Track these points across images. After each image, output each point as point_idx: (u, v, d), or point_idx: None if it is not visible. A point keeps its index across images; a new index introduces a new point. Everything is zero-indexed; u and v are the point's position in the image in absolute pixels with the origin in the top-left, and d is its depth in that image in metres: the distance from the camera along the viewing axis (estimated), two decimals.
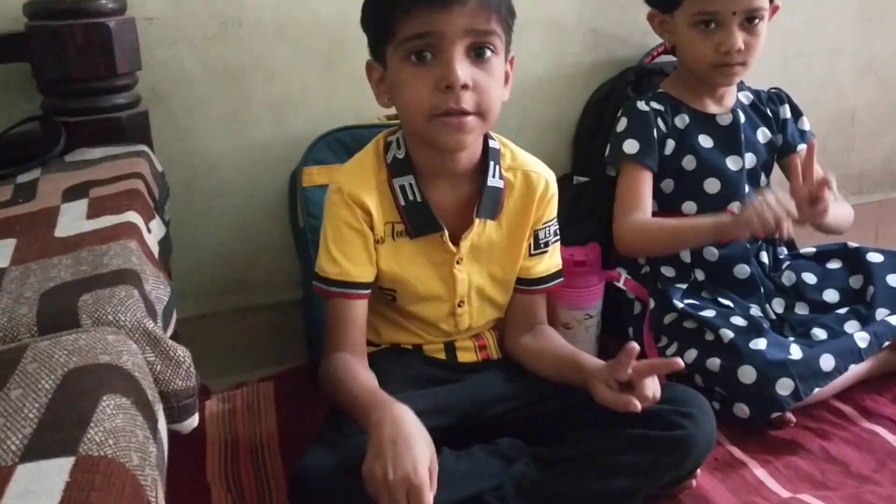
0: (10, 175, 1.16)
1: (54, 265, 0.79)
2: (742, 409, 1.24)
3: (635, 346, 1.01)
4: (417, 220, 1.11)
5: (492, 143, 1.14)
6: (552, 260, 1.22)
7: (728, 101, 1.49)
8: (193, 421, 0.76)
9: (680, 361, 1.03)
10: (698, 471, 1.12)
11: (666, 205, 1.47)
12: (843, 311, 1.39)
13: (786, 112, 1.53)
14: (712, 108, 1.48)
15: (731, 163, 1.46)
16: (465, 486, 1.02)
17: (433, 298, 1.16)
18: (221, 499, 1.16)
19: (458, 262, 1.15)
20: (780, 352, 1.25)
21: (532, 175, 1.16)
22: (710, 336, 1.31)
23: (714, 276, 1.44)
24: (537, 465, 1.06)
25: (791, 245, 1.56)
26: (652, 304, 1.42)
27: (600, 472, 1.03)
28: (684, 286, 1.42)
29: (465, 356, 1.22)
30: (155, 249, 0.92)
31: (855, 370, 1.31)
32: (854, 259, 1.47)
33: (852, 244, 1.50)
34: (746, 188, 1.47)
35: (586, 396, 1.07)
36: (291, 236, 1.48)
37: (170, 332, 0.80)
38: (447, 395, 1.12)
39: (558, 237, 1.22)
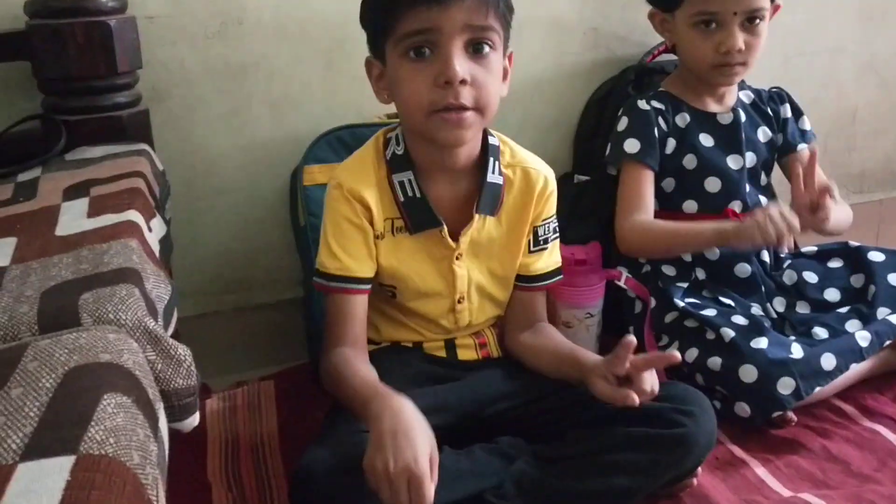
0: (11, 174, 1.16)
1: (55, 264, 0.79)
2: (743, 408, 1.24)
3: (632, 339, 1.01)
4: (416, 216, 1.12)
5: (491, 140, 1.14)
6: (552, 257, 1.22)
7: (729, 100, 1.49)
8: (194, 420, 0.76)
9: (677, 355, 1.03)
10: (699, 469, 1.12)
11: (667, 204, 1.47)
12: (844, 310, 1.39)
13: (786, 111, 1.53)
14: (713, 107, 1.48)
15: (732, 162, 1.46)
16: (466, 485, 1.02)
17: (433, 294, 1.17)
18: (222, 497, 1.15)
19: (457, 258, 1.15)
20: (781, 351, 1.25)
21: (531, 171, 1.17)
22: (711, 335, 1.31)
23: (715, 274, 1.44)
24: (537, 463, 1.06)
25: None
26: (653, 302, 1.41)
27: (600, 470, 1.03)
28: (685, 285, 1.42)
29: (466, 354, 1.22)
30: (156, 248, 0.92)
31: (856, 369, 1.31)
32: (855, 258, 1.47)
33: (853, 243, 1.50)
34: (747, 187, 1.47)
35: (586, 395, 1.07)
36: (292, 235, 1.48)
37: (170, 330, 0.80)
38: (447, 393, 1.12)
39: (557, 234, 1.22)
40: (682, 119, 1.46)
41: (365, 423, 0.93)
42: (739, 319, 1.32)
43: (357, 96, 1.43)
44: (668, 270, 1.44)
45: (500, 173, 1.14)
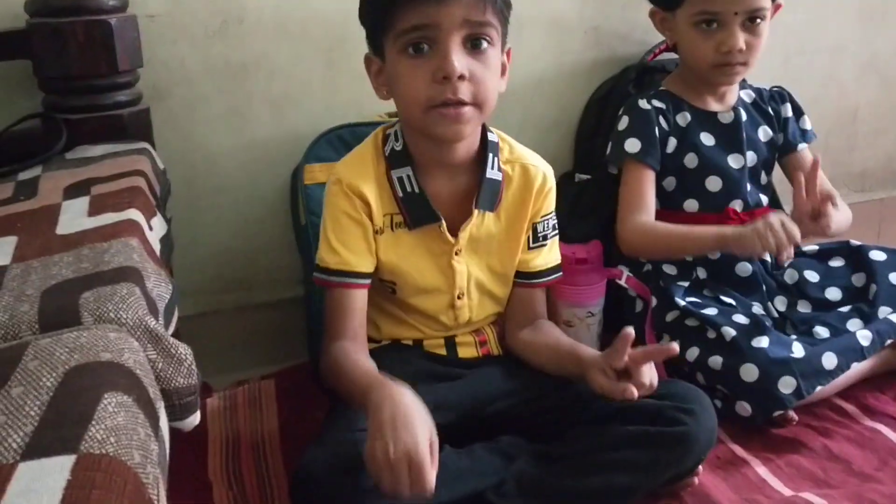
0: (11, 172, 1.16)
1: (55, 262, 0.79)
2: (744, 408, 1.24)
3: (631, 331, 1.01)
4: (415, 211, 1.12)
5: (490, 136, 1.15)
6: (551, 254, 1.23)
7: (730, 99, 1.49)
8: (195, 419, 0.76)
9: (675, 347, 1.02)
10: (700, 468, 1.12)
11: (668, 203, 1.47)
12: (845, 309, 1.39)
13: (787, 111, 1.53)
14: (714, 105, 1.48)
15: (733, 161, 1.46)
16: (466, 484, 1.02)
17: (432, 290, 1.17)
18: (223, 496, 1.16)
19: (456, 254, 1.15)
20: (782, 350, 1.25)
21: (530, 168, 1.17)
22: (712, 334, 1.31)
23: (716, 273, 1.44)
24: (538, 462, 1.06)
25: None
26: (654, 301, 1.41)
27: (601, 468, 1.03)
28: (686, 284, 1.42)
29: (466, 352, 1.22)
30: (156, 247, 0.92)
31: (857, 368, 1.31)
32: (856, 257, 1.47)
33: (855, 242, 1.50)
34: (748, 186, 1.47)
35: (587, 393, 1.07)
36: (293, 234, 1.48)
37: (171, 329, 0.80)
38: (448, 391, 1.12)
39: (557, 231, 1.23)
40: (683, 118, 1.46)
41: (365, 414, 0.93)
42: (740, 318, 1.32)
43: (358, 95, 1.43)
44: (669, 269, 1.44)
45: (499, 169, 1.15)
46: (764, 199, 1.49)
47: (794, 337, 1.32)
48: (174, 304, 0.83)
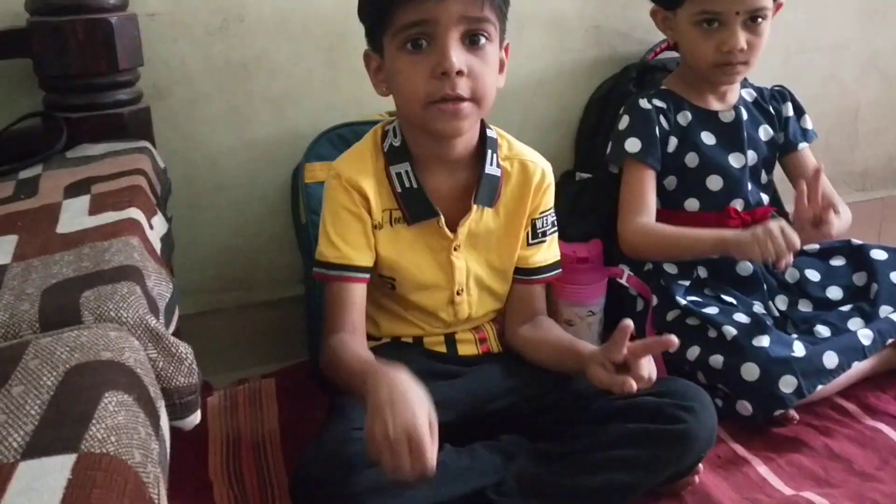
0: (12, 171, 1.16)
1: (56, 261, 0.79)
2: (745, 407, 1.24)
3: (629, 322, 1.01)
4: (414, 207, 1.13)
5: (489, 133, 1.16)
6: (550, 250, 1.23)
7: (731, 98, 1.49)
8: (195, 418, 0.76)
9: (674, 339, 1.02)
10: (700, 466, 1.12)
11: (668, 202, 1.47)
12: (846, 308, 1.39)
13: (788, 110, 1.52)
14: (715, 104, 1.48)
15: (734, 160, 1.46)
16: (467, 482, 1.02)
17: (431, 286, 1.17)
18: (223, 495, 1.15)
19: (455, 249, 1.16)
20: (783, 349, 1.24)
21: (529, 164, 1.18)
22: (712, 333, 1.31)
23: (717, 272, 1.43)
24: (538, 460, 1.06)
25: None
26: (655, 300, 1.41)
27: (601, 466, 1.03)
28: (687, 283, 1.42)
29: (466, 349, 1.22)
30: (157, 246, 0.92)
31: (858, 367, 1.31)
32: (858, 256, 1.47)
33: (856, 241, 1.50)
34: (749, 185, 1.46)
35: (587, 391, 1.07)
36: (293, 232, 1.48)
37: (172, 328, 0.80)
38: (448, 390, 1.12)
39: (556, 228, 1.23)
40: (684, 117, 1.46)
41: (363, 404, 0.92)
42: (741, 317, 1.32)
43: (358, 93, 1.43)
44: (670, 268, 1.44)
45: (498, 165, 1.16)
46: (765, 198, 1.49)
47: (795, 336, 1.32)
48: (175, 303, 0.83)
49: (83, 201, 0.96)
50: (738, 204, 1.45)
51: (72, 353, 0.60)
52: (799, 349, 1.25)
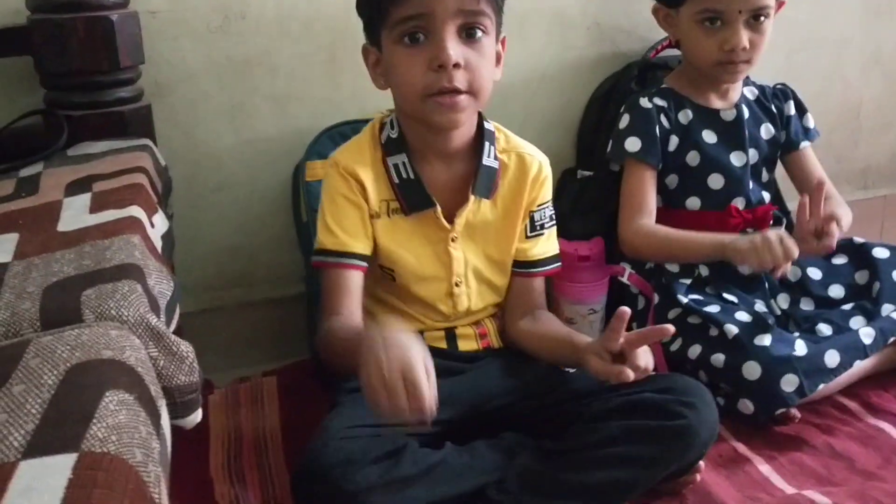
0: (13, 169, 1.16)
1: (57, 260, 0.79)
2: (746, 405, 1.24)
3: (626, 310, 1.01)
4: (411, 197, 1.14)
5: (486, 125, 1.17)
6: (549, 243, 1.23)
7: (732, 97, 1.48)
8: (196, 416, 0.76)
9: (669, 327, 1.02)
10: (701, 464, 1.12)
11: (670, 200, 1.46)
12: (848, 306, 1.39)
13: (790, 109, 1.52)
14: (716, 103, 1.48)
15: (735, 158, 1.46)
16: (468, 480, 1.02)
17: (430, 277, 1.17)
18: (224, 493, 1.15)
19: (452, 240, 1.16)
20: (784, 348, 1.24)
21: (526, 157, 1.19)
22: (714, 332, 1.31)
23: (718, 271, 1.43)
24: (539, 458, 1.06)
25: None
26: (656, 299, 1.41)
27: (602, 463, 1.03)
28: (688, 281, 1.42)
29: (466, 344, 1.22)
30: (158, 244, 0.92)
31: (860, 366, 1.31)
32: (860, 254, 1.46)
33: (858, 239, 1.49)
34: (750, 184, 1.46)
35: (588, 388, 1.07)
36: (294, 230, 1.48)
37: (173, 327, 0.80)
38: (450, 388, 1.11)
39: (554, 222, 1.24)
40: (685, 116, 1.46)
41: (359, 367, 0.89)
42: (743, 316, 1.32)
43: (360, 91, 1.43)
44: (672, 267, 1.44)
45: (496, 158, 1.17)
46: (766, 196, 1.49)
47: (796, 335, 1.31)
48: (176, 302, 0.83)
49: (84, 199, 0.96)
50: (739, 202, 1.45)
51: (73, 351, 0.60)
52: (801, 348, 1.25)
